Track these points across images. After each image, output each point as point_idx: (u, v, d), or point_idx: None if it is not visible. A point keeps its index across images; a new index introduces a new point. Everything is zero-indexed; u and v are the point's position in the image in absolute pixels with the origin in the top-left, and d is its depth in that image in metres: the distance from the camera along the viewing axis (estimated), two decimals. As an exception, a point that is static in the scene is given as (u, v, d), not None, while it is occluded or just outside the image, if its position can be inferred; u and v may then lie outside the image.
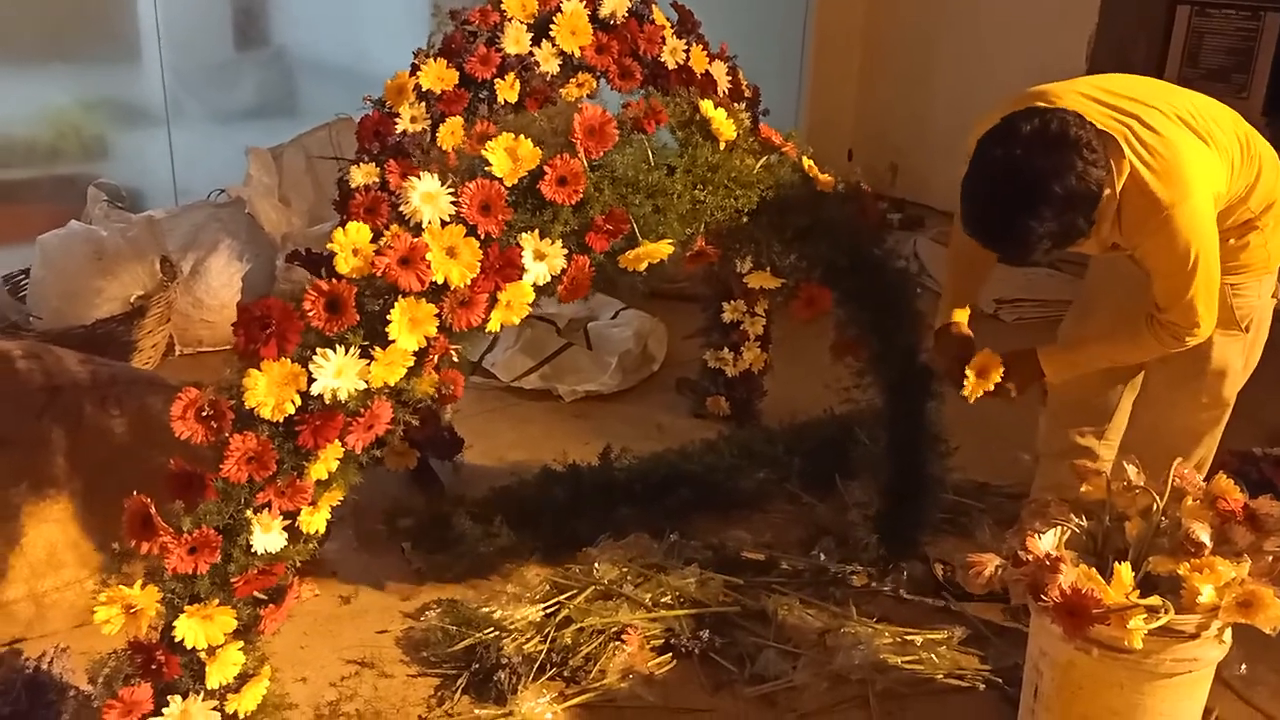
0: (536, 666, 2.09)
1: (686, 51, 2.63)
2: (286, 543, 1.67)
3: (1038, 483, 2.39)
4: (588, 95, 2.56)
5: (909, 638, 2.20)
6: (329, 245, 1.68)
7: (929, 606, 2.35)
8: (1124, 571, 1.65)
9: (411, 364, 1.69)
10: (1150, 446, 2.06)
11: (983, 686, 2.10)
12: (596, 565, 2.38)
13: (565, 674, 2.09)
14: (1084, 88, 1.88)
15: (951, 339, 2.13)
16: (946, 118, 5.24)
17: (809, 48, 5.57)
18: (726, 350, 3.18)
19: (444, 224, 1.70)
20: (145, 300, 3.34)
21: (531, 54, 2.48)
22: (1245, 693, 2.05)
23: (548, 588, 2.35)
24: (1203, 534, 1.68)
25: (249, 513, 1.63)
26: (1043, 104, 1.81)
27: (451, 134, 2.38)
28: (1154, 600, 1.60)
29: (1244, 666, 2.04)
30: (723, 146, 1.95)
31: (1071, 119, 1.72)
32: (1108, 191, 1.76)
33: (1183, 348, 1.93)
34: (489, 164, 1.74)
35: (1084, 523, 1.84)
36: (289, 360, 1.60)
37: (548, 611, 2.25)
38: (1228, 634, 1.68)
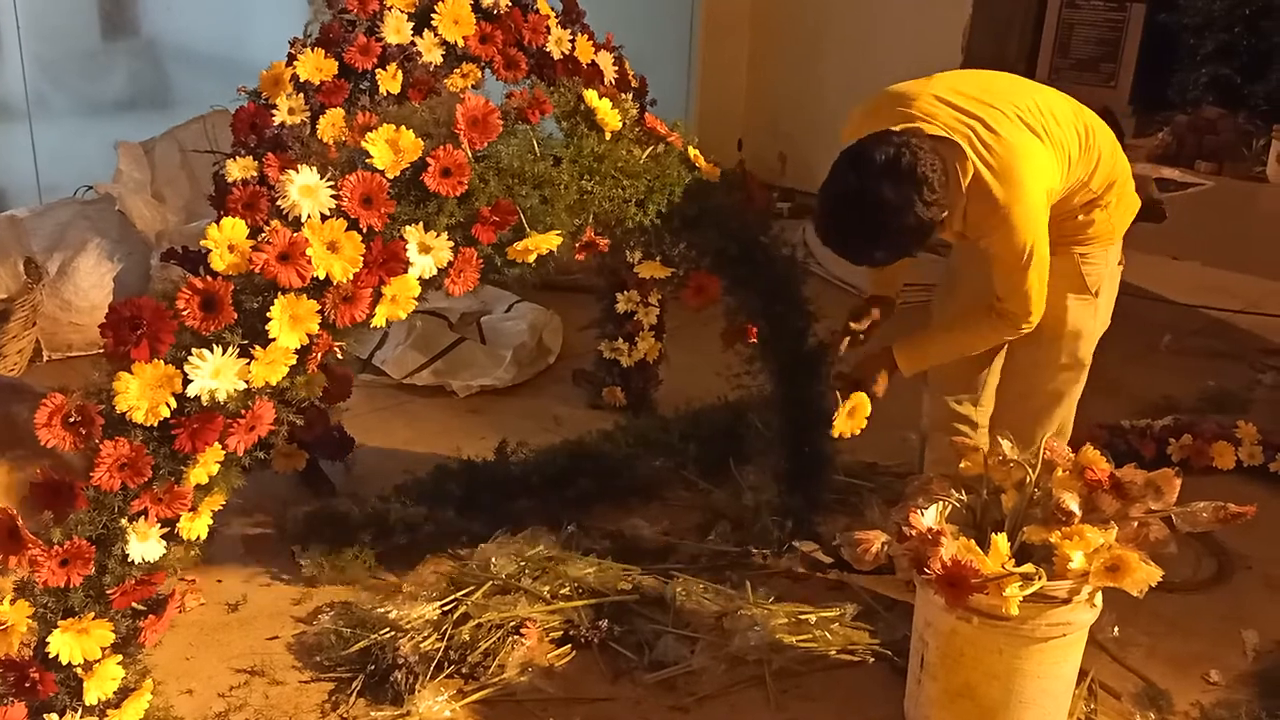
0: (434, 665, 2.06)
1: (572, 41, 2.62)
2: (165, 551, 1.62)
3: (928, 456, 2.51)
4: (473, 86, 2.53)
5: (803, 616, 2.25)
6: (203, 242, 1.63)
7: (823, 584, 2.41)
8: (1000, 542, 1.72)
9: (294, 362, 1.65)
10: (1018, 410, 2.27)
11: (872, 660, 2.16)
12: (494, 560, 2.36)
13: (464, 671, 2.07)
14: (939, 89, 2.01)
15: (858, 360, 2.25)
16: (834, 107, 5.25)
17: (697, 38, 5.62)
18: (621, 341, 3.19)
19: (324, 218, 1.67)
20: (8, 304, 3.18)
21: (413, 44, 2.44)
22: (1119, 654, 2.16)
23: (445, 585, 2.32)
24: (1072, 503, 1.77)
25: (124, 521, 1.57)
26: (901, 108, 1.97)
27: (332, 126, 2.32)
28: (1028, 568, 1.67)
29: (1116, 629, 2.14)
30: (608, 136, 1.95)
31: (924, 155, 1.85)
32: (945, 215, 1.93)
33: (1017, 335, 2.12)
34: (370, 156, 1.71)
35: (964, 497, 1.91)
36: (162, 361, 1.55)
37: (445, 609, 2.22)
38: (1098, 598, 1.77)
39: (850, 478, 2.78)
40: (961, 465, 1.97)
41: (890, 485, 2.78)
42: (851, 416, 2.18)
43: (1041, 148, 1.98)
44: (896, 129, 1.90)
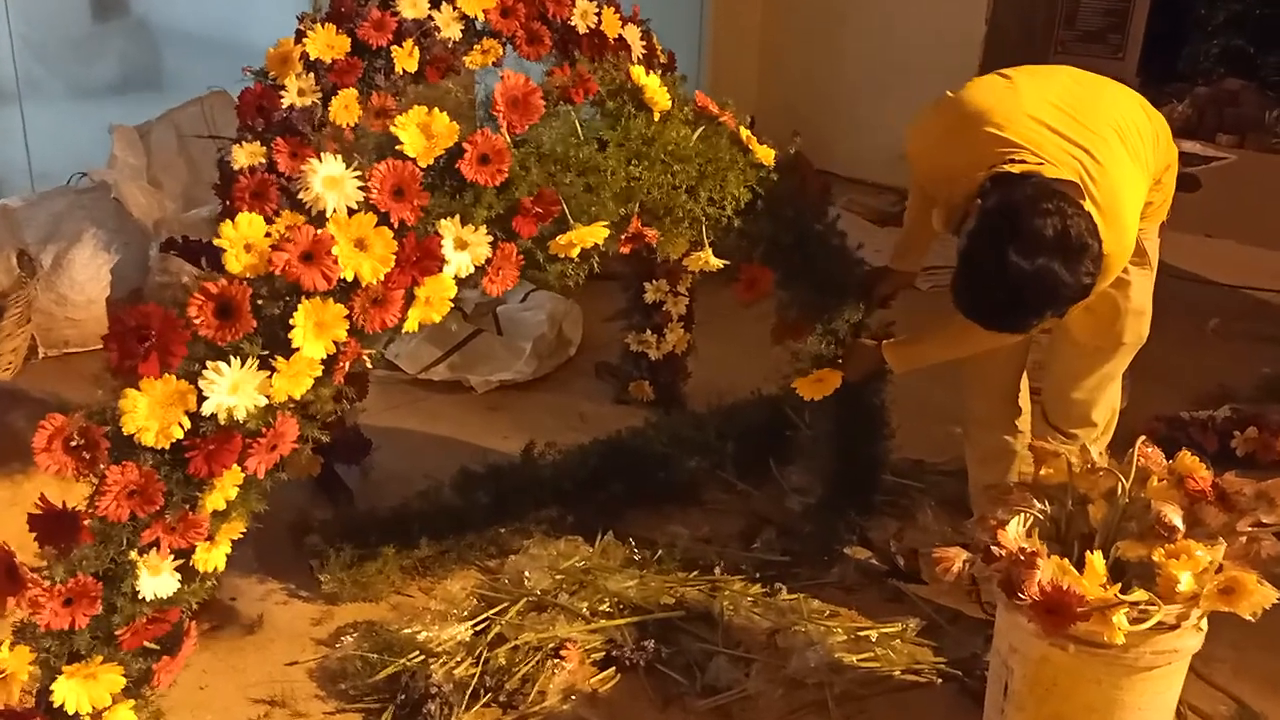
0: (469, 693, 1.91)
1: (598, 14, 2.45)
2: (179, 584, 1.46)
3: (970, 454, 2.41)
4: (493, 63, 2.36)
5: (863, 633, 2.10)
6: (216, 240, 1.46)
7: (878, 594, 2.26)
8: (1097, 561, 1.56)
9: (319, 373, 1.49)
10: (1074, 395, 2.19)
11: (940, 680, 2.01)
12: (527, 574, 2.21)
13: (501, 699, 1.93)
14: (1030, 105, 1.87)
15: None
16: (851, 84, 5.18)
17: (708, 10, 5.43)
18: (649, 332, 3.03)
19: (351, 212, 1.50)
20: (2, 300, 3.01)
21: (430, 18, 2.27)
22: (1205, 672, 2.01)
23: (475, 602, 2.17)
24: (1175, 517, 1.61)
25: (133, 554, 1.41)
26: (991, 130, 1.83)
27: (346, 108, 2.16)
28: (1138, 594, 1.51)
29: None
30: (656, 117, 1.78)
31: (1081, 219, 1.74)
32: None
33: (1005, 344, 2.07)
34: (400, 142, 1.54)
35: (1046, 508, 1.75)
36: (174, 377, 1.39)
37: (477, 629, 2.08)
38: (1204, 621, 1.62)
39: (898, 477, 2.63)
40: (1042, 472, 1.82)
41: (940, 484, 2.63)
42: (816, 383, 2.23)
43: (1137, 175, 1.91)
44: (1016, 170, 1.78)
